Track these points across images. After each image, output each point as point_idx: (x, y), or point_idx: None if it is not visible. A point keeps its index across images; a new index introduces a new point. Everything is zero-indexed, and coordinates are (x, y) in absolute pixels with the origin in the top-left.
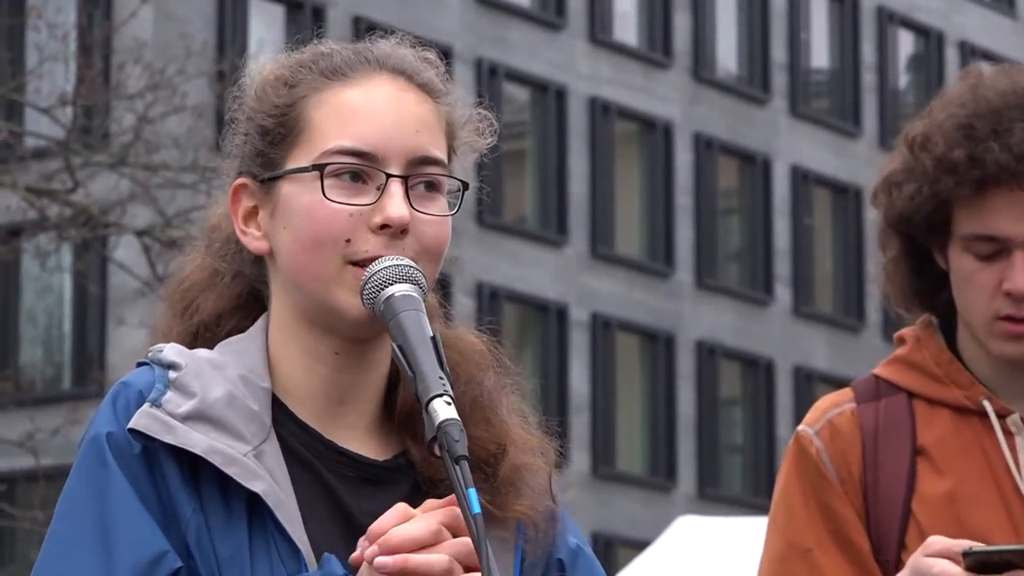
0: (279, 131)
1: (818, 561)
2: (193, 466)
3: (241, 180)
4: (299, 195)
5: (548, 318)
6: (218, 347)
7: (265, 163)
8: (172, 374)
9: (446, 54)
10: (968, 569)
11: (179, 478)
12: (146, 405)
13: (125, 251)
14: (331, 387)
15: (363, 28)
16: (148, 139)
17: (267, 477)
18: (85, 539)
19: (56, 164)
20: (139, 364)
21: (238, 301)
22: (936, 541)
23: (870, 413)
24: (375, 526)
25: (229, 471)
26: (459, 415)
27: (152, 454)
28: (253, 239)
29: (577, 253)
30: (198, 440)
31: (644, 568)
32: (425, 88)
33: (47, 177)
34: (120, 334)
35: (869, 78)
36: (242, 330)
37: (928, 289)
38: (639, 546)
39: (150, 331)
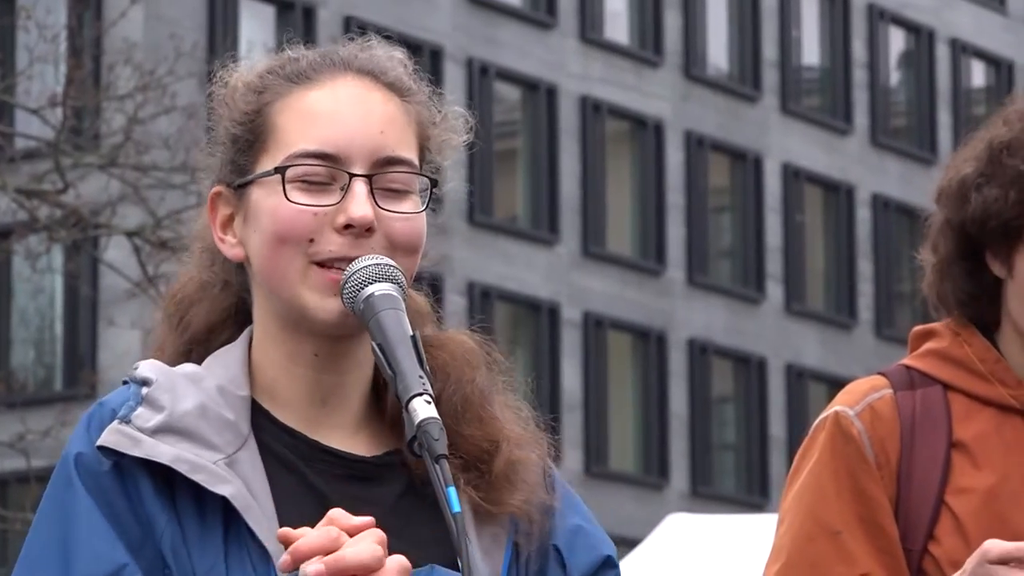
0: (247, 138)
1: (847, 544)
2: (167, 478)
3: (217, 188)
4: (265, 198)
5: (540, 317)
6: (207, 360)
7: (236, 170)
8: (144, 390)
9: (437, 54)
10: None
11: (152, 491)
12: (115, 422)
13: (116, 252)
14: (313, 388)
15: (354, 28)
16: (138, 140)
17: (236, 482)
18: (47, 558)
19: (46, 165)
20: (124, 382)
21: (228, 313)
22: (995, 546)
23: (908, 401)
24: (303, 543)
25: (196, 478)
26: (451, 414)
27: (124, 470)
28: (230, 246)
29: (569, 252)
30: (165, 451)
31: (634, 566)
32: (392, 87)
33: (37, 178)
34: (111, 335)
35: (860, 75)
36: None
37: (978, 293)
38: (632, 544)
39: (142, 333)
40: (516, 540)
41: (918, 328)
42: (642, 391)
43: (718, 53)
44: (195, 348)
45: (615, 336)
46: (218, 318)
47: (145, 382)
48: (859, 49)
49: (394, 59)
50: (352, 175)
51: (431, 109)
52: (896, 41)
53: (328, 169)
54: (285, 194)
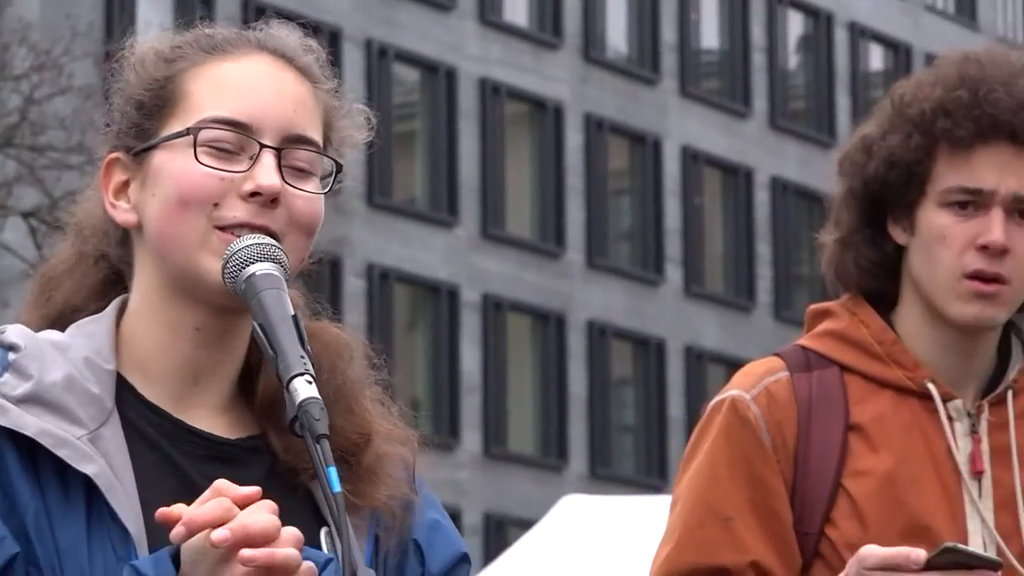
0: (155, 103)
1: (738, 531)
2: (31, 451)
3: (114, 155)
4: (171, 161)
5: (439, 299)
6: (69, 328)
7: (139, 134)
8: (11, 356)
9: (335, 35)
10: (933, 565)
11: (18, 462)
12: None
13: (11, 233)
14: (188, 364)
15: (252, 10)
16: (34, 120)
17: (100, 460)
18: None
19: None
20: None
21: (94, 290)
22: (871, 553)
23: (804, 383)
24: (196, 513)
25: (60, 453)
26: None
27: None
28: (122, 211)
29: (468, 234)
30: (31, 422)
31: (529, 547)
32: (304, 71)
33: None
34: (6, 317)
35: (759, 59)
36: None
37: (880, 261)
38: (531, 526)
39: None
40: (377, 533)
41: (814, 307)
42: (541, 373)
43: (617, 36)
44: (59, 324)
45: (514, 318)
46: (82, 296)
47: (12, 347)
48: (758, 33)
49: (308, 47)
50: (263, 145)
51: (337, 102)
52: (795, 25)
53: (238, 137)
54: (196, 156)
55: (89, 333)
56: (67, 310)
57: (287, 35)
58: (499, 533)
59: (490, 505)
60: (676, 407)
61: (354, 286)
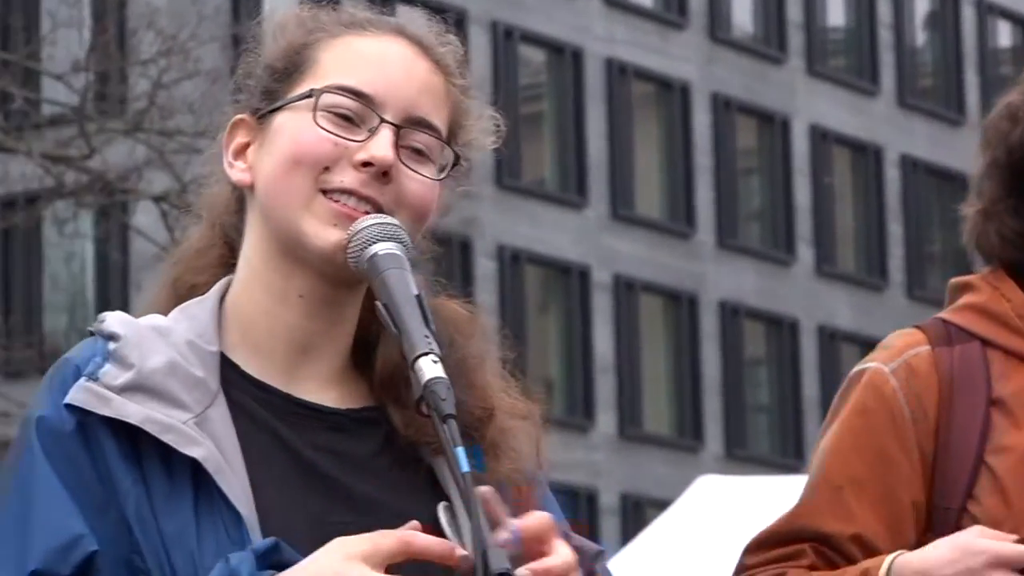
0: (287, 68)
1: (848, 501)
2: (133, 439)
3: (240, 116)
4: (291, 121)
5: (570, 280)
6: (173, 312)
7: (265, 97)
8: (112, 345)
9: (461, 18)
10: None
11: (118, 452)
12: (82, 379)
13: (144, 217)
14: (295, 334)
15: None
16: (163, 105)
17: (207, 443)
18: (5, 530)
19: (71, 131)
20: (90, 333)
21: (219, 266)
22: (1013, 550)
23: (945, 358)
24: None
25: (165, 438)
26: None
27: (89, 430)
28: (238, 170)
29: (597, 215)
30: (134, 411)
31: (664, 528)
32: (439, 63)
33: (63, 144)
34: (142, 300)
35: (886, 36)
36: None
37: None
38: (667, 507)
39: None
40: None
41: (955, 280)
42: (675, 354)
43: (743, 15)
44: (184, 302)
45: (646, 299)
46: (207, 273)
47: (112, 337)
48: (885, 10)
49: (446, 40)
50: (383, 120)
51: (467, 101)
52: (922, 2)
53: (360, 107)
54: (314, 117)
55: (192, 315)
56: (188, 288)
57: (427, 25)
58: (636, 513)
59: (626, 486)
60: (810, 387)
61: (485, 267)
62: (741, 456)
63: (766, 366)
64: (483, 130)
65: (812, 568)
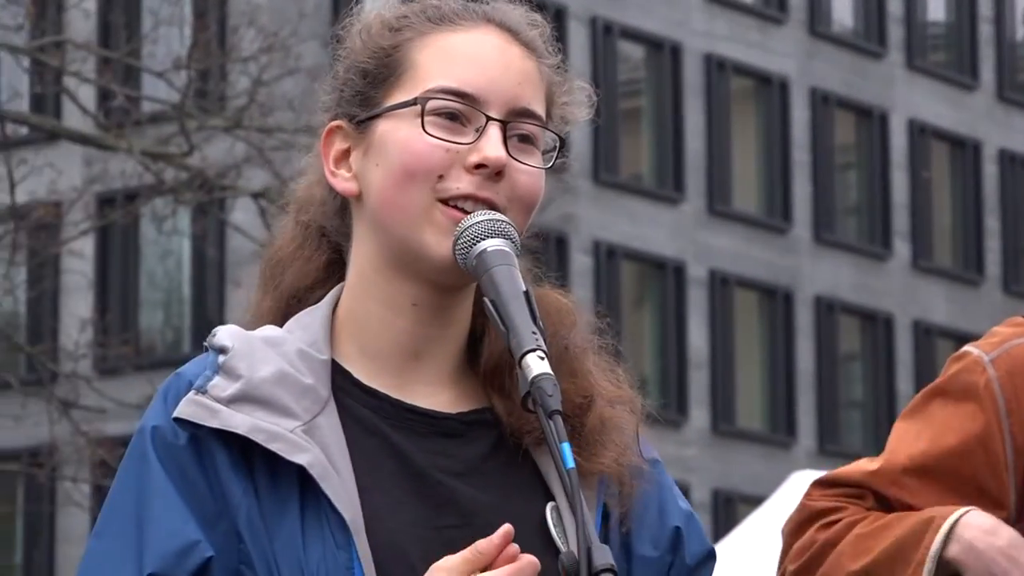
0: (381, 72)
1: (917, 485)
2: (243, 450)
3: (336, 123)
4: (396, 130)
5: (666, 275)
6: (288, 322)
7: (363, 102)
8: (221, 358)
9: (560, 13)
10: None
11: (228, 463)
12: (191, 393)
13: (242, 214)
14: (407, 340)
15: None
16: (262, 102)
17: (314, 449)
18: (120, 533)
19: (171, 128)
20: (204, 348)
21: (325, 272)
22: None
23: None
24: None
25: (272, 447)
26: None
27: (201, 442)
28: (342, 180)
29: (694, 210)
30: (241, 421)
31: (760, 523)
32: (529, 46)
33: (163, 141)
34: (238, 297)
35: (986, 30)
36: None
37: None
38: (759, 503)
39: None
40: (606, 501)
41: None
42: (769, 349)
43: (843, 9)
44: (292, 308)
45: (742, 294)
46: (313, 277)
47: (222, 350)
48: (985, 4)
49: (533, 21)
50: (489, 118)
51: (560, 78)
52: None
53: (466, 108)
54: (423, 126)
55: (305, 325)
56: (296, 294)
57: (512, 9)
58: (727, 509)
59: (718, 482)
60: (904, 382)
61: (581, 263)
62: (834, 452)
63: (860, 362)
64: (576, 102)
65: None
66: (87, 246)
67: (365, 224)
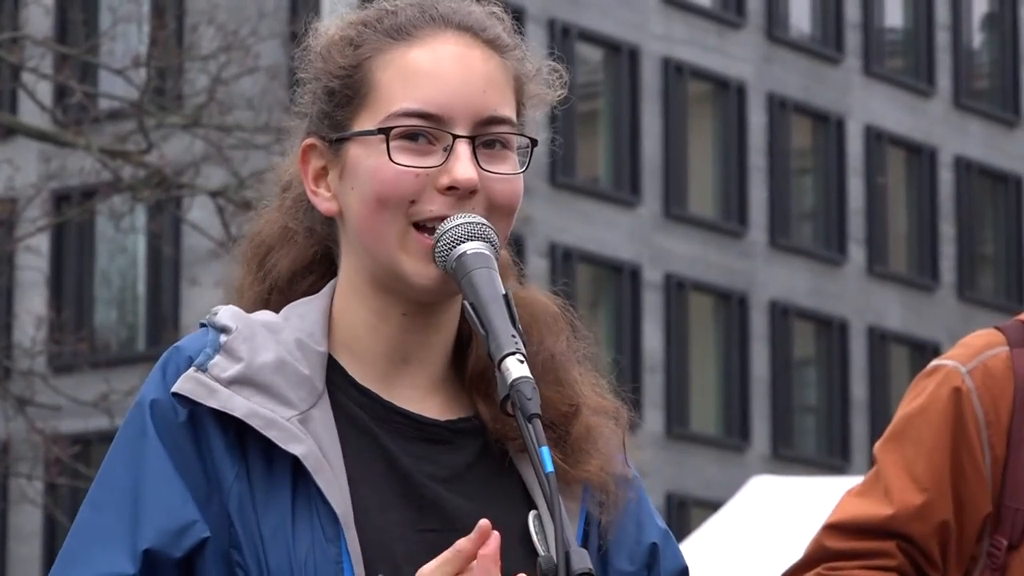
0: (345, 93)
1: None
2: (239, 433)
3: (310, 140)
4: (365, 157)
5: (621, 279)
6: (284, 309)
7: (332, 124)
8: (223, 338)
9: (519, 14)
10: None
11: (223, 444)
12: (191, 369)
13: (199, 212)
14: (396, 347)
15: None
16: (221, 100)
17: (309, 441)
18: (116, 505)
19: (130, 125)
20: (201, 325)
21: (312, 260)
22: None
23: (1022, 359)
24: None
25: (269, 434)
26: (532, 374)
27: (197, 420)
28: (323, 200)
29: (650, 213)
30: (240, 404)
31: (719, 528)
32: (492, 44)
33: (121, 138)
34: (194, 295)
35: (943, 37)
36: (316, 291)
37: None
38: (713, 506)
39: (225, 290)
40: (589, 510)
41: None
42: (724, 353)
43: (801, 15)
44: (275, 295)
45: (697, 298)
46: (301, 265)
47: (224, 329)
48: (942, 11)
49: (492, 15)
50: (456, 136)
51: (528, 64)
52: (979, 3)
53: (431, 128)
54: (389, 155)
55: (302, 314)
56: (287, 280)
57: (471, 7)
58: (681, 513)
59: (672, 485)
60: (859, 387)
61: (536, 265)
62: (788, 456)
63: (815, 366)
64: (546, 84)
65: (900, 572)
66: (43, 243)
67: (349, 242)
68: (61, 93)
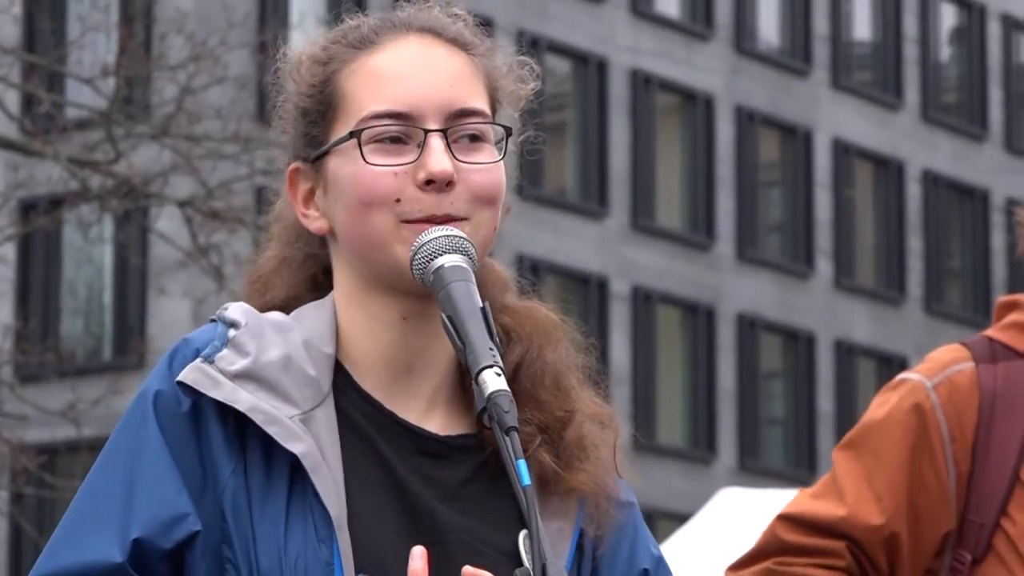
0: (318, 109)
1: (878, 510)
2: (240, 428)
3: (294, 165)
4: (343, 166)
5: (589, 290)
6: (295, 311)
7: (310, 143)
8: (232, 332)
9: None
10: None
11: (222, 438)
12: (198, 360)
13: (167, 222)
14: (398, 353)
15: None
16: (190, 110)
17: (309, 440)
18: (110, 492)
19: (98, 135)
20: (212, 320)
21: (312, 282)
22: None
23: (988, 375)
24: None
25: (269, 430)
26: (530, 378)
27: (200, 411)
28: (314, 220)
29: (618, 225)
30: (244, 398)
31: (686, 540)
32: (455, 42)
33: (89, 148)
34: (161, 305)
35: (911, 51)
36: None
37: None
38: (679, 518)
39: (192, 303)
40: (583, 527)
41: (1004, 298)
42: (690, 365)
43: (769, 27)
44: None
45: (664, 310)
46: (300, 288)
47: (233, 324)
48: (910, 24)
49: (454, 15)
50: (427, 131)
51: (496, 61)
52: (948, 16)
53: (402, 127)
54: (363, 157)
55: (311, 316)
56: (287, 301)
57: (431, 10)
58: (647, 525)
59: (638, 497)
60: (825, 400)
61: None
62: (754, 468)
63: (782, 379)
64: (518, 78)
65: (848, 573)
66: (9, 252)
67: (342, 254)
68: (29, 102)
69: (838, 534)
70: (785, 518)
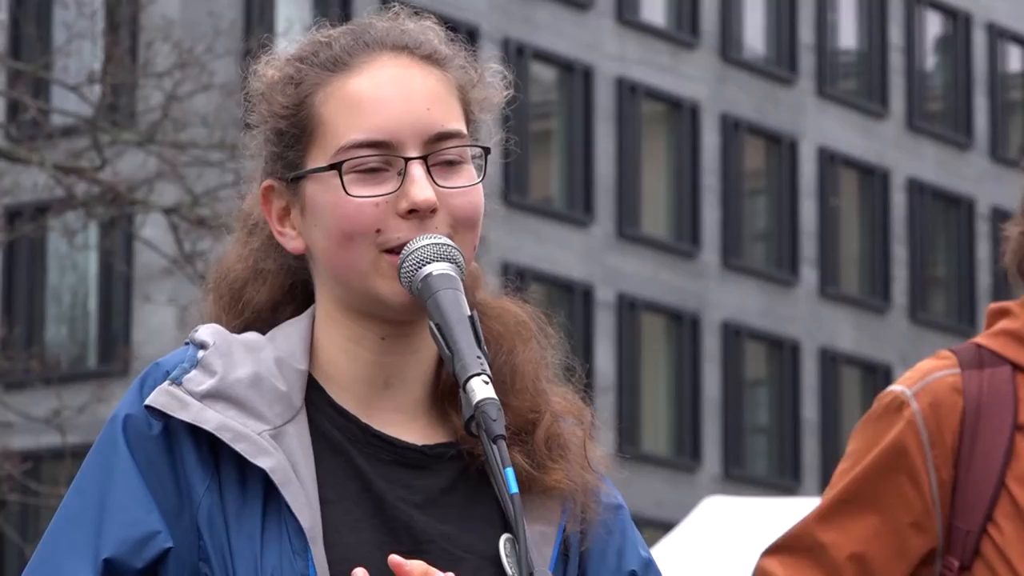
0: (293, 132)
1: (852, 522)
2: (212, 446)
3: (268, 182)
4: (323, 193)
5: (574, 298)
6: (271, 331)
7: (286, 165)
8: (200, 353)
9: (473, 33)
10: None
11: (195, 457)
12: (166, 383)
13: (152, 229)
14: (375, 370)
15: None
16: (176, 117)
17: (279, 455)
18: (82, 517)
19: (84, 142)
20: (185, 343)
21: (291, 291)
22: None
23: (974, 381)
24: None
25: (237, 447)
26: (500, 383)
27: (171, 433)
28: (290, 239)
29: (603, 233)
30: (211, 417)
31: (671, 549)
32: (430, 59)
33: (75, 155)
34: (146, 312)
35: (896, 59)
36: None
37: None
38: (664, 527)
39: (177, 310)
40: (567, 530)
41: (994, 305)
42: (675, 373)
43: (755, 36)
44: (258, 325)
45: (649, 318)
46: (281, 296)
47: (203, 345)
48: (896, 33)
49: (427, 29)
50: (407, 159)
51: (469, 72)
52: (933, 25)
53: (382, 156)
54: (344, 189)
55: (286, 335)
56: (270, 308)
57: (404, 25)
58: None
59: None
60: (810, 409)
61: (489, 285)
62: (739, 477)
63: (767, 387)
64: (491, 87)
65: None
66: None
67: (320, 275)
68: (15, 109)
69: (817, 548)
70: (773, 552)
